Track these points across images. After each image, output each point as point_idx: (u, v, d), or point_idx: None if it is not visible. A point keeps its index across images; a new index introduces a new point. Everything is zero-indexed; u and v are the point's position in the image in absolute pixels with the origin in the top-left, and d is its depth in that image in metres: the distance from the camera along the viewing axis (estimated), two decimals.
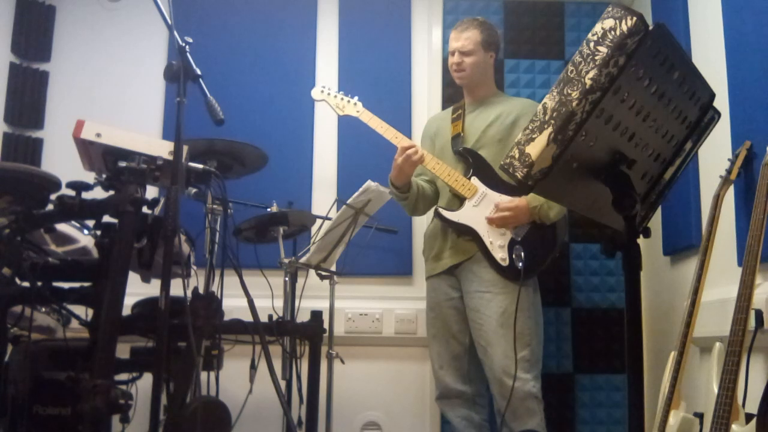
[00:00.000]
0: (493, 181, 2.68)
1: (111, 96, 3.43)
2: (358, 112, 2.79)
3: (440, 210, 2.73)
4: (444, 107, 3.41)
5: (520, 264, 2.53)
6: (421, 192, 2.83)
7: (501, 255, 2.62)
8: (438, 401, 2.79)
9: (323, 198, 3.30)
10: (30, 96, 3.39)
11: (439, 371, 2.75)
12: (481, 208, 2.67)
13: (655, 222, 2.90)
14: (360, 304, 3.25)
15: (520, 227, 2.65)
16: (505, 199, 2.66)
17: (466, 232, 2.68)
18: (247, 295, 2.00)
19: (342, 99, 2.83)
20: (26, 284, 1.85)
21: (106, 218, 1.83)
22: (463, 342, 2.73)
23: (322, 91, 2.86)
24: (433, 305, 2.81)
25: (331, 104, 2.84)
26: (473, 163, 2.74)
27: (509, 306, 2.55)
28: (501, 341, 2.55)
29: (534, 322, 2.63)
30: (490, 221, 2.64)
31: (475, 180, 2.70)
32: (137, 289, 2.11)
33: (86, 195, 1.81)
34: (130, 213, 1.72)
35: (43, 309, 2.21)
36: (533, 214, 2.63)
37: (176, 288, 1.74)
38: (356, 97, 2.82)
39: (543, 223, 2.66)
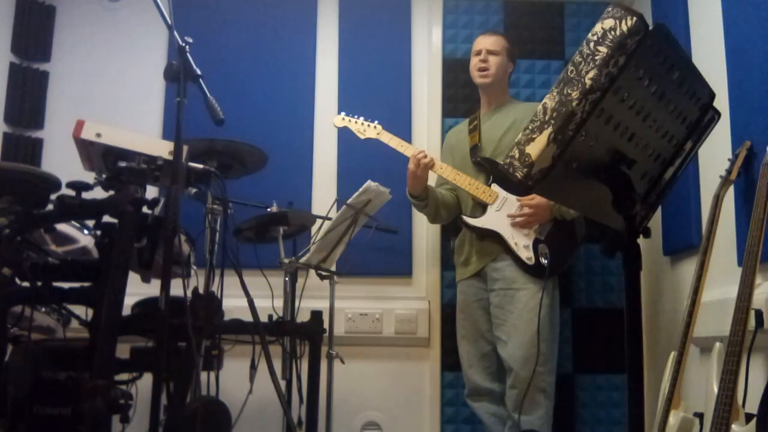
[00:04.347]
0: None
1: (111, 96, 3.43)
2: (378, 134, 2.94)
3: (464, 218, 2.87)
4: (444, 107, 3.42)
5: (546, 261, 2.64)
6: (441, 199, 2.95)
7: (527, 255, 2.72)
8: (467, 399, 2.89)
9: (323, 198, 3.30)
10: (30, 96, 3.39)
11: (468, 370, 2.86)
12: (503, 212, 2.79)
13: (655, 222, 2.90)
14: (360, 304, 3.24)
15: (543, 226, 2.74)
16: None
17: (490, 236, 2.80)
18: (247, 295, 2.00)
19: (362, 124, 2.98)
20: (26, 284, 1.85)
21: (106, 218, 1.83)
22: (492, 341, 2.82)
23: (344, 119, 3.01)
24: (463, 307, 2.93)
25: (353, 129, 2.99)
26: (492, 171, 2.84)
27: (530, 301, 2.67)
28: (520, 334, 2.65)
29: (550, 318, 2.72)
30: (514, 222, 2.75)
31: (495, 186, 2.82)
32: (137, 289, 2.11)
33: (86, 195, 1.81)
34: (130, 213, 1.72)
35: (43, 309, 2.21)
36: (553, 210, 2.73)
37: (176, 288, 1.74)
38: (376, 121, 2.96)
39: (564, 220, 2.75)
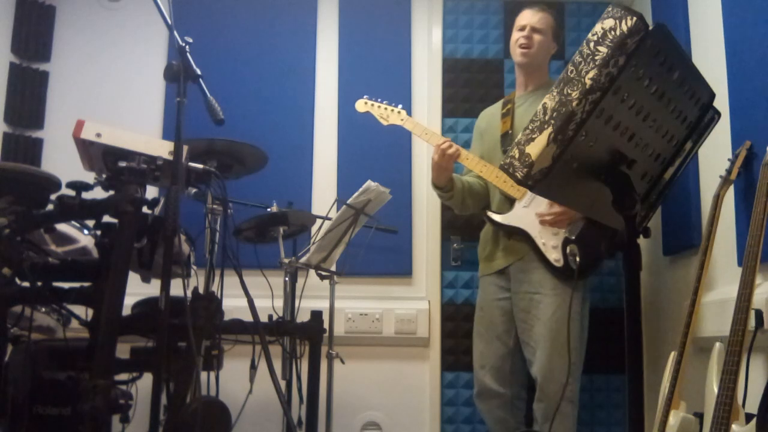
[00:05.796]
0: None
1: (111, 96, 3.43)
2: (402, 120, 2.77)
3: (489, 213, 2.71)
4: (444, 107, 3.42)
5: (575, 264, 2.48)
6: (467, 188, 2.78)
7: (555, 256, 2.55)
8: (475, 399, 2.76)
9: (323, 198, 3.30)
10: (30, 96, 3.39)
11: (479, 370, 2.73)
12: (531, 209, 2.61)
13: (655, 222, 2.90)
14: (360, 304, 3.24)
15: (574, 225, 2.56)
16: None
17: (517, 234, 2.63)
18: (247, 295, 2.00)
19: (386, 109, 2.80)
20: (26, 284, 1.85)
21: (106, 218, 1.83)
22: (507, 343, 2.69)
23: (366, 103, 2.84)
24: (482, 304, 2.80)
25: (375, 115, 2.82)
26: None
27: (558, 309, 2.51)
28: (548, 345, 2.51)
29: (581, 326, 2.60)
30: (542, 221, 2.58)
31: None
32: (137, 289, 2.11)
33: (86, 195, 1.81)
34: (130, 213, 1.72)
35: (43, 309, 2.21)
36: None
37: (176, 288, 1.74)
38: (400, 106, 2.80)
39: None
